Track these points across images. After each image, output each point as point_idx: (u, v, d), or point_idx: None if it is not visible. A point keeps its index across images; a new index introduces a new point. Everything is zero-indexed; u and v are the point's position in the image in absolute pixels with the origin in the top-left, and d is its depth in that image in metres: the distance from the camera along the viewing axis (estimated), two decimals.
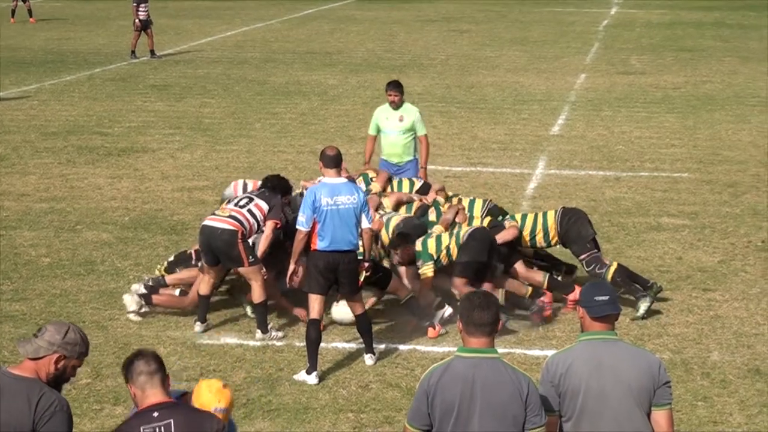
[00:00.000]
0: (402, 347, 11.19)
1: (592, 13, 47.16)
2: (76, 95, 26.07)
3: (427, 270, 11.73)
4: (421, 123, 14.85)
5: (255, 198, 11.64)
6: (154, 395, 5.66)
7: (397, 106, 14.78)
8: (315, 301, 10.32)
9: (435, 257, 11.75)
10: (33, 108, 24.74)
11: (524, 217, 12.77)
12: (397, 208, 12.84)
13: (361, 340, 10.85)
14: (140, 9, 32.26)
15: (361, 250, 10.61)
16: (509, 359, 8.09)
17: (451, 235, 11.89)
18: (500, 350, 6.23)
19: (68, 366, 5.98)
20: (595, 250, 12.28)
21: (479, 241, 11.70)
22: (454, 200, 13.16)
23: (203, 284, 11.56)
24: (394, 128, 14.75)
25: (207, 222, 11.51)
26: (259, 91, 27.15)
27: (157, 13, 44.26)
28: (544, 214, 12.60)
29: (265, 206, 11.51)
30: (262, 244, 11.56)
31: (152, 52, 32.57)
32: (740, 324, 11.82)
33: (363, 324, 10.72)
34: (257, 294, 11.22)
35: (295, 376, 10.33)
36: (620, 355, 6.26)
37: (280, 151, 20.34)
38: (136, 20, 32.27)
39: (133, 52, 32.40)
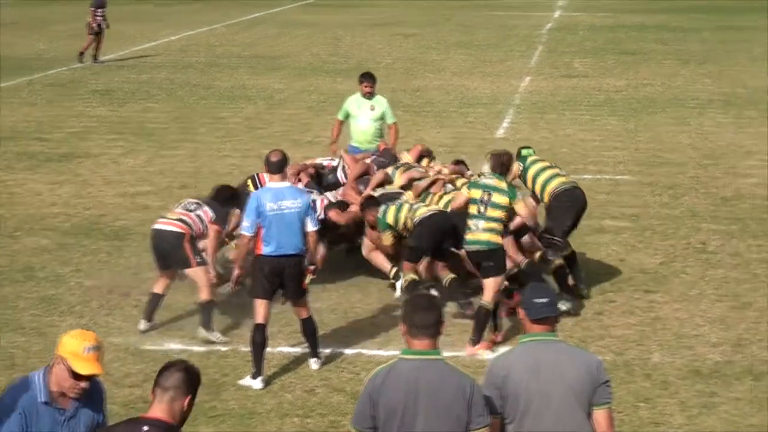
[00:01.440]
0: (347, 351, 11.20)
1: (536, 17, 47.40)
2: (15, 101, 25.71)
3: (384, 238, 12.29)
4: (390, 112, 16.11)
5: (204, 204, 11.83)
6: (159, 410, 5.51)
7: (370, 96, 15.94)
8: (260, 305, 10.31)
9: (393, 226, 12.20)
10: None
11: (537, 174, 12.72)
12: (409, 184, 13.22)
13: (307, 344, 10.81)
14: (98, 13, 32.07)
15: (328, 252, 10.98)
16: (456, 362, 8.10)
17: (410, 209, 12.22)
18: (447, 353, 6.25)
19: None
20: (561, 241, 12.42)
21: (428, 228, 12.00)
22: (440, 168, 13.71)
23: (158, 284, 11.73)
24: (366, 116, 15.84)
25: (155, 225, 11.78)
26: (203, 95, 27.05)
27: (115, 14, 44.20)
28: (553, 177, 12.62)
29: (211, 214, 11.69)
30: (209, 248, 11.68)
31: (96, 57, 32.33)
32: (680, 325, 11.95)
33: (308, 328, 10.67)
34: (204, 293, 11.31)
35: (241, 381, 10.29)
36: (560, 355, 6.30)
37: (225, 156, 20.26)
38: (93, 25, 32.00)
39: (81, 53, 32.12)
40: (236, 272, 10.66)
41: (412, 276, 12.19)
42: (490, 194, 11.25)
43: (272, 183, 10.54)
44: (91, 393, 5.70)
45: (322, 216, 12.48)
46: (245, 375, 10.38)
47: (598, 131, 22.53)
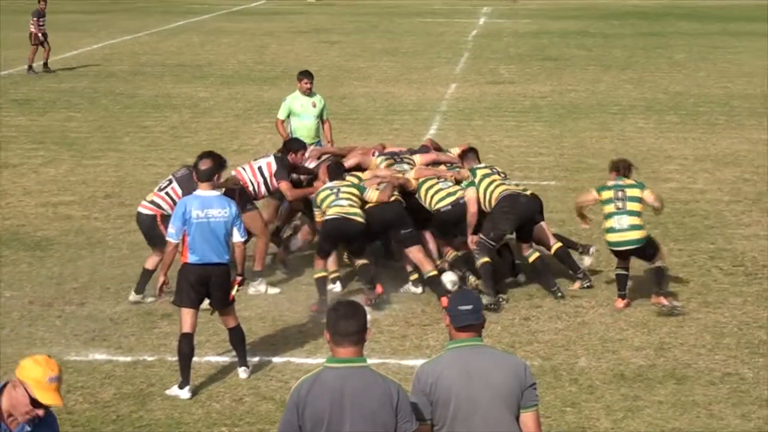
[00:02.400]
0: (276, 359, 11.17)
1: (461, 24, 47.71)
2: None
3: (315, 215, 12.97)
4: (327, 109, 17.08)
5: (174, 182, 12.59)
6: None
7: (310, 93, 16.68)
8: (186, 314, 10.23)
9: (319, 207, 12.76)
10: None
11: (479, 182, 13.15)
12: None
13: (234, 353, 10.78)
14: (40, 22, 31.80)
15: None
16: (383, 369, 8.14)
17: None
18: (374, 360, 6.30)
19: None
20: (494, 243, 12.68)
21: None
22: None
23: (149, 260, 12.63)
24: (308, 113, 16.56)
25: (138, 209, 12.78)
26: (127, 104, 26.83)
27: (20, 27, 43.60)
28: (496, 186, 12.99)
29: (179, 191, 12.21)
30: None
31: (46, 65, 32.11)
32: (606, 330, 12.06)
33: (236, 337, 10.59)
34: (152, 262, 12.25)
35: (168, 391, 10.21)
36: (487, 360, 6.33)
37: (150, 165, 20.09)
38: (39, 34, 31.75)
39: (30, 67, 31.83)
40: (160, 279, 10.58)
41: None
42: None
43: (200, 191, 10.39)
44: (45, 420, 5.62)
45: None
46: (172, 385, 10.29)
47: (524, 137, 22.72)
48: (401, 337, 11.76)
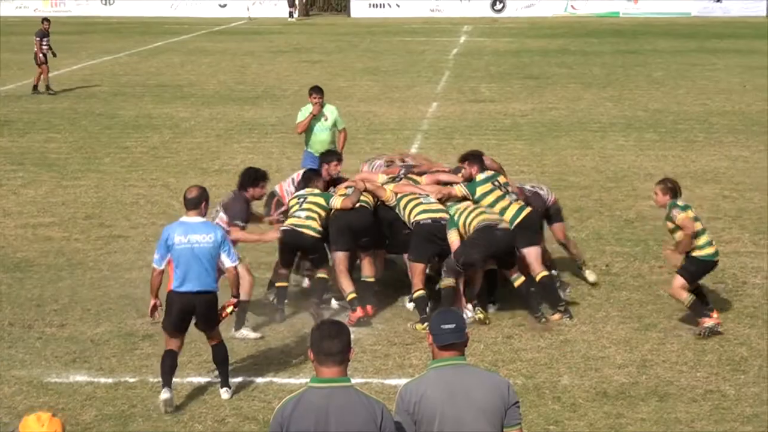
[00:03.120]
0: (258, 380, 11.15)
1: (442, 42, 47.88)
2: None
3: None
4: (340, 118, 17.19)
5: (220, 211, 12.31)
6: None
7: (320, 108, 16.73)
8: (172, 337, 10.31)
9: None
10: None
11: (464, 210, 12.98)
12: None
13: (217, 372, 10.73)
14: (43, 43, 31.82)
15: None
16: (367, 389, 8.15)
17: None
18: (357, 380, 6.30)
19: None
20: (461, 268, 12.49)
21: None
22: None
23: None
24: (321, 126, 16.81)
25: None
26: (108, 125, 26.80)
27: (3, 47, 43.58)
28: (476, 216, 12.75)
29: (225, 217, 12.08)
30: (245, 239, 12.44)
31: (48, 87, 32.00)
32: (588, 347, 12.07)
33: (219, 354, 10.52)
34: (243, 291, 11.41)
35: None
36: (471, 379, 6.35)
37: (131, 185, 20.05)
38: (40, 54, 31.73)
39: (35, 87, 31.85)
40: (151, 303, 10.39)
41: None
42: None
43: (185, 217, 10.27)
44: None
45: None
46: (154, 406, 10.28)
47: (505, 155, 22.59)
48: (384, 357, 11.75)
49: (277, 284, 13.06)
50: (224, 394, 10.54)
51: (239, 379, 11.10)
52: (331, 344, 6.12)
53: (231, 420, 10.26)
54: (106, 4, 66.22)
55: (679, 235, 11.91)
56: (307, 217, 12.82)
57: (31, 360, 11.61)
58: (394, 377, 11.04)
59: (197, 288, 10.05)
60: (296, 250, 12.96)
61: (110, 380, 11.09)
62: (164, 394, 10.14)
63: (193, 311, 10.15)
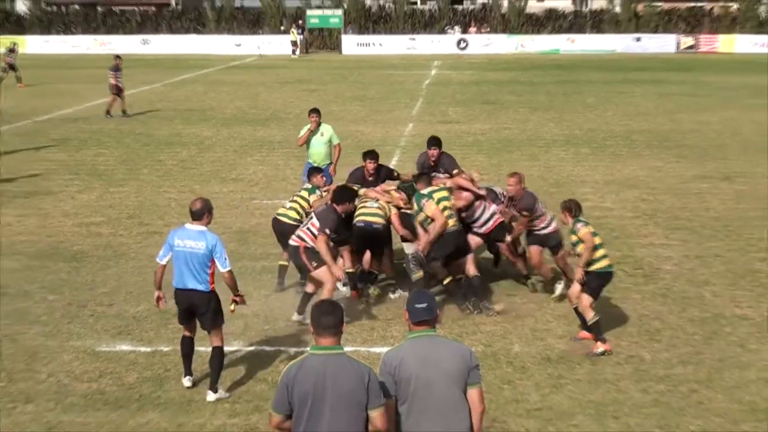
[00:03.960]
0: (268, 348, 11.17)
1: (417, 75, 47.86)
2: None
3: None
4: (335, 135, 16.82)
5: (313, 217, 11.75)
6: None
7: (317, 125, 16.56)
8: (183, 326, 9.94)
9: None
10: None
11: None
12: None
13: (209, 372, 9.87)
14: (118, 76, 31.63)
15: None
16: (356, 355, 8.16)
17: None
18: (348, 348, 6.34)
19: None
20: (424, 260, 12.26)
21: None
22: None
23: (308, 285, 11.99)
24: (318, 141, 16.53)
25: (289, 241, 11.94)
26: (146, 142, 26.73)
27: (61, 79, 43.38)
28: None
29: (317, 223, 11.53)
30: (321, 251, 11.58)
31: (124, 112, 31.85)
32: (535, 322, 12.12)
33: (216, 356, 9.74)
34: (326, 291, 11.26)
35: (183, 380, 10.04)
36: (440, 347, 6.41)
37: (164, 191, 20.05)
38: (115, 84, 31.52)
39: (108, 112, 31.66)
40: (155, 294, 9.84)
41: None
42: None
43: (188, 225, 9.68)
44: None
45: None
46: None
47: (468, 167, 22.60)
48: (370, 329, 11.79)
49: (279, 263, 13.26)
50: (209, 396, 9.71)
51: (252, 348, 11.12)
52: (328, 319, 6.20)
53: (246, 381, 10.28)
54: (144, 43, 66.00)
55: (581, 247, 11.17)
56: (290, 208, 12.93)
57: (85, 333, 11.63)
58: (378, 346, 11.05)
59: (189, 286, 9.49)
60: (278, 234, 12.91)
61: (149, 349, 11.11)
62: (186, 383, 9.93)
63: (191, 306, 9.61)
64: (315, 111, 16.90)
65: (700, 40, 64.23)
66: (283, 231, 12.72)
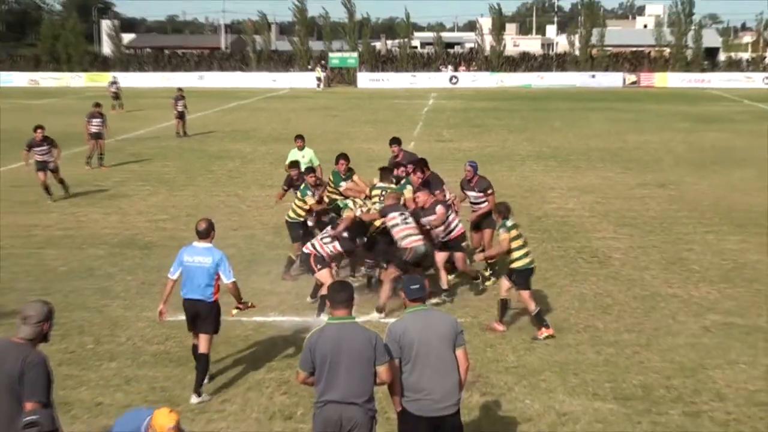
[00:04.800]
0: (297, 319, 11.13)
1: (418, 103, 47.78)
2: (81, 161, 25.28)
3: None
4: (315, 157, 16.09)
5: (404, 212, 11.29)
6: None
7: (302, 149, 16.09)
8: (191, 332, 9.02)
9: None
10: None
11: None
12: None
13: (195, 375, 8.89)
14: (178, 104, 31.70)
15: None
16: (367, 324, 8.21)
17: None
18: (361, 319, 6.39)
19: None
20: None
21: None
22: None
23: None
24: (301, 162, 15.35)
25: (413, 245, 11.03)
26: (200, 156, 26.78)
27: (136, 106, 43.49)
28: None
29: (339, 248, 11.17)
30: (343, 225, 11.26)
31: (185, 132, 31.91)
32: (513, 298, 12.09)
33: (201, 364, 8.81)
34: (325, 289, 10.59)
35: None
36: (434, 317, 6.47)
37: (215, 195, 20.10)
38: (176, 111, 31.75)
39: (177, 133, 31.79)
40: (159, 307, 9.06)
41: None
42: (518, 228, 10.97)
43: (195, 242, 8.85)
44: None
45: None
46: (227, 335, 10.24)
47: (458, 177, 22.44)
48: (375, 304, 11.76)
49: (289, 255, 13.02)
50: (193, 398, 8.72)
51: (284, 318, 11.11)
52: (341, 295, 6.25)
53: (280, 343, 10.31)
54: (200, 79, 66.01)
55: (506, 244, 10.58)
56: (291, 209, 12.91)
57: (154, 306, 11.45)
58: (384, 318, 11.04)
59: (196, 296, 8.68)
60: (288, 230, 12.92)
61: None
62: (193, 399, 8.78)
63: (196, 314, 8.75)
64: (300, 137, 16.30)
65: (641, 77, 64.18)
66: (288, 227, 12.90)
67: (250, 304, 9.09)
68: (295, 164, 14.13)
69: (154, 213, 18.11)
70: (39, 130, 19.23)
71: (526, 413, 8.45)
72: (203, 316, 8.74)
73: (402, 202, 12.05)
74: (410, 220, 11.33)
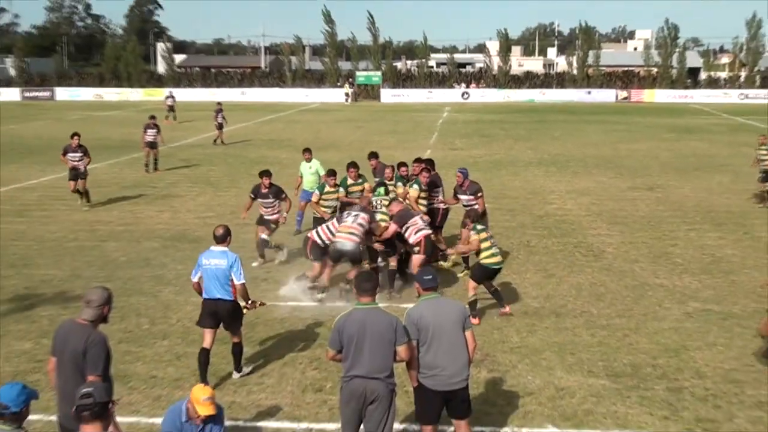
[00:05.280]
0: (329, 304, 11.14)
1: (434, 116, 47.71)
2: (139, 166, 25.51)
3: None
4: (321, 168, 15.47)
5: (359, 213, 11.14)
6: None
7: (309, 161, 15.74)
8: (205, 333, 8.43)
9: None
10: (112, 172, 24.18)
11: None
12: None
13: (233, 359, 8.74)
14: (219, 117, 31.92)
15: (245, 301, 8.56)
16: (388, 309, 8.20)
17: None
18: (383, 304, 6.36)
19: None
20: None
21: None
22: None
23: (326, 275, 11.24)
24: (307, 172, 15.67)
25: (336, 240, 10.85)
26: (242, 161, 26.89)
27: (186, 118, 43.76)
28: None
29: (368, 216, 11.17)
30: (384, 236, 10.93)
31: (222, 141, 32.03)
32: (515, 287, 12.06)
33: (236, 349, 8.63)
34: (311, 275, 10.86)
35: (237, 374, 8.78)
36: (445, 304, 6.46)
37: None
38: (216, 123, 32.00)
39: (215, 141, 31.98)
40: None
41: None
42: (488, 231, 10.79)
43: (213, 247, 8.40)
44: (215, 417, 5.50)
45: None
46: (272, 315, 10.23)
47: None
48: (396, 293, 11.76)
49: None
50: (235, 375, 8.68)
51: (316, 305, 11.07)
52: (366, 284, 6.24)
53: (310, 323, 10.26)
54: (242, 94, 66.37)
55: (475, 244, 10.36)
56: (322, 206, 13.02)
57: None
58: (404, 304, 10.98)
59: (215, 296, 8.21)
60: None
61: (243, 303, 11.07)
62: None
63: (217, 313, 8.26)
64: (307, 150, 15.90)
65: (632, 93, 63.76)
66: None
67: (259, 303, 8.76)
68: (266, 173, 13.34)
69: (202, 211, 18.19)
70: (75, 137, 18.40)
71: (528, 388, 8.41)
72: (224, 315, 8.27)
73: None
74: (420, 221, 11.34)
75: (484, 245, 10.43)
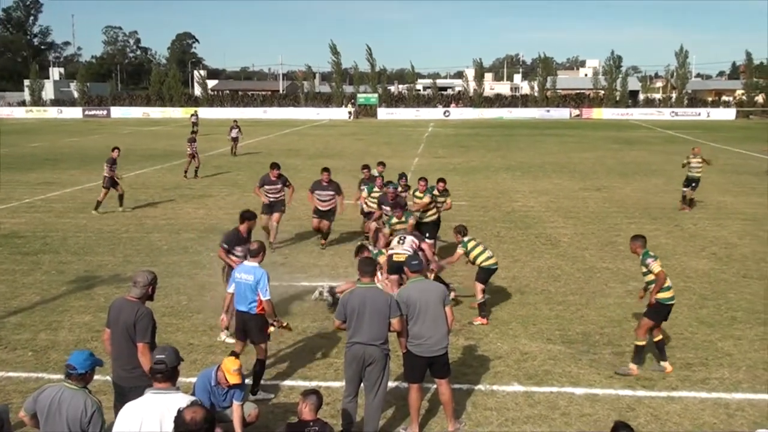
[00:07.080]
0: (330, 282, 11.08)
1: (420, 130, 47.50)
2: (178, 174, 25.35)
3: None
4: (338, 188, 13.50)
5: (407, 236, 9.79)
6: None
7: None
8: (236, 345, 7.51)
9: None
10: (156, 176, 24.00)
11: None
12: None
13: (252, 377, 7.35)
14: (232, 131, 31.35)
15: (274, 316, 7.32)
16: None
17: None
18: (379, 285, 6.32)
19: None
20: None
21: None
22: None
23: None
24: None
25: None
26: (264, 167, 25.55)
27: (216, 132, 43.47)
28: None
29: (416, 241, 9.72)
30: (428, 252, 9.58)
31: (235, 153, 31.36)
32: (504, 270, 11.94)
33: (259, 366, 7.31)
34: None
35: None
36: (429, 285, 6.43)
37: None
38: (229, 137, 31.46)
39: (232, 152, 31.31)
40: (221, 316, 7.83)
41: None
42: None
43: (246, 261, 7.34)
44: (238, 386, 5.68)
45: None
46: (291, 308, 10.15)
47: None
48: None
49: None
50: (250, 396, 7.00)
51: (324, 283, 10.90)
52: (369, 268, 6.21)
53: (322, 304, 10.14)
54: (264, 113, 66.11)
55: (456, 256, 9.54)
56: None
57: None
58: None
59: (243, 308, 7.18)
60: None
61: (276, 283, 10.68)
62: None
63: (245, 324, 7.25)
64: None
65: (583, 111, 63.76)
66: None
67: (285, 324, 7.36)
68: (275, 165, 12.63)
69: (231, 208, 18.08)
70: (116, 150, 17.34)
71: (498, 353, 8.39)
72: (250, 327, 7.23)
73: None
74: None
75: (477, 251, 9.48)
